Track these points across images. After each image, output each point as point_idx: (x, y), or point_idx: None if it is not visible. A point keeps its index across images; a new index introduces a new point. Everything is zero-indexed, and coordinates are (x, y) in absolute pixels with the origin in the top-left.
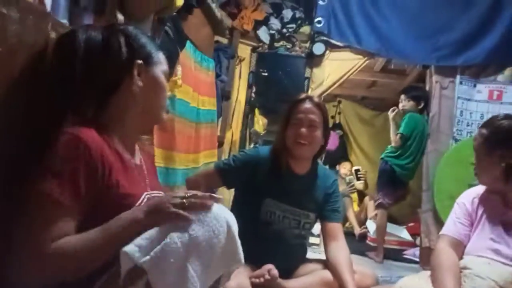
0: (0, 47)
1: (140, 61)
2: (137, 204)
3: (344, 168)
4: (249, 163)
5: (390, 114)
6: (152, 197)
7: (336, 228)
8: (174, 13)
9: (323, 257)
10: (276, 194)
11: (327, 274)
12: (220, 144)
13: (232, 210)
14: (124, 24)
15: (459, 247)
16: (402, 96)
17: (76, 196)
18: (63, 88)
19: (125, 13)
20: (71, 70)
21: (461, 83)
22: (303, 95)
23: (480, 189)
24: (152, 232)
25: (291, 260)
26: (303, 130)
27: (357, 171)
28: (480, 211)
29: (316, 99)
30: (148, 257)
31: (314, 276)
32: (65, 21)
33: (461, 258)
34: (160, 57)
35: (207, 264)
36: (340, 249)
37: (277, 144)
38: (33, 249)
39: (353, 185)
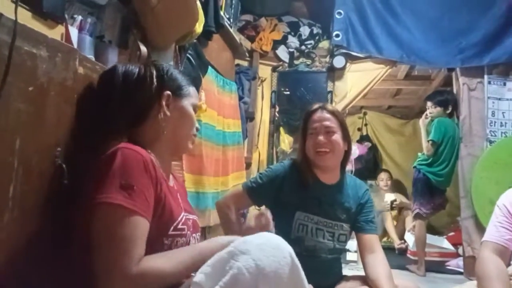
0: (32, 86)
1: (168, 92)
2: (178, 220)
3: (381, 181)
4: (276, 178)
5: (422, 121)
6: (188, 218)
7: (373, 239)
8: (195, 40)
9: (362, 273)
10: (306, 207)
11: None
12: (248, 165)
13: None
14: (160, 63)
15: (505, 253)
16: (428, 103)
17: (146, 206)
18: (104, 116)
19: (147, 45)
20: (110, 100)
21: (489, 82)
22: (315, 105)
23: None
24: (216, 258)
25: (327, 277)
26: (321, 138)
27: (392, 202)
28: None
29: (329, 107)
30: (217, 287)
31: None
32: (91, 56)
33: (508, 264)
34: (190, 90)
35: None
36: (379, 262)
37: (299, 157)
38: (118, 272)
39: (393, 203)
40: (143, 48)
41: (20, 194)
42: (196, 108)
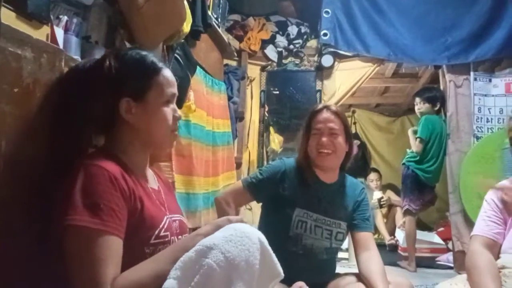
0: (17, 88)
1: (126, 99)
2: (160, 226)
3: (371, 181)
4: (276, 174)
5: (410, 131)
6: (173, 220)
7: (367, 237)
8: (182, 40)
9: (354, 270)
10: (306, 204)
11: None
12: (238, 165)
13: (259, 228)
14: (121, 50)
15: (494, 247)
16: (417, 99)
17: (117, 223)
18: (70, 122)
19: (134, 44)
20: (71, 105)
21: (475, 79)
22: (320, 105)
23: (509, 182)
24: (184, 259)
25: (321, 275)
26: (325, 139)
27: (380, 199)
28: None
29: (333, 108)
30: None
31: None
32: (77, 57)
33: (497, 257)
34: (155, 81)
35: (250, 283)
36: (373, 259)
37: (300, 156)
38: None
39: (383, 203)
40: (130, 47)
41: (6, 198)
42: (173, 96)
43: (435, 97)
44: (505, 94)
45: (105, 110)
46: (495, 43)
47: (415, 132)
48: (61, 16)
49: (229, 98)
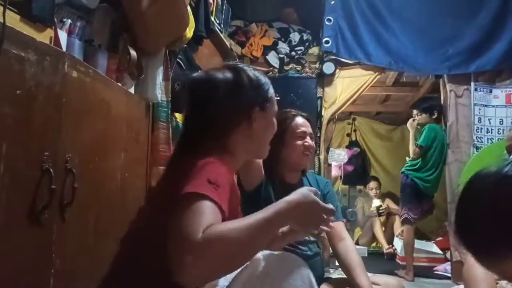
0: (19, 90)
1: (257, 108)
2: None
3: (371, 190)
4: None
5: (410, 124)
6: None
7: (340, 226)
8: (185, 45)
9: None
10: None
11: None
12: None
13: None
14: (245, 65)
15: None
16: (414, 111)
17: (225, 208)
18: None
19: (137, 49)
20: (199, 112)
21: (476, 89)
22: (291, 112)
23: None
24: (246, 279)
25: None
26: (311, 142)
27: (378, 208)
28: None
29: (302, 113)
30: None
31: None
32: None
33: None
34: (273, 95)
35: None
36: (349, 249)
37: (272, 158)
38: (184, 240)
39: (382, 211)
40: (133, 53)
41: (7, 199)
42: (275, 113)
43: (431, 106)
44: (506, 105)
45: (237, 116)
46: (495, 54)
47: (416, 139)
48: (64, 19)
49: None
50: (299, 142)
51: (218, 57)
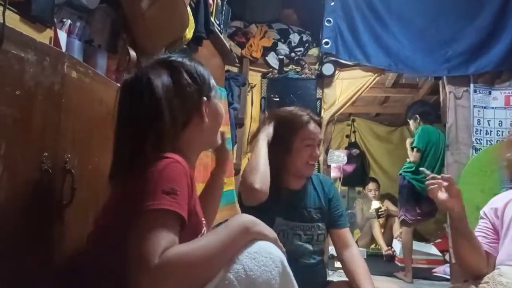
0: (19, 90)
1: (205, 98)
2: (202, 232)
3: (370, 191)
4: None
5: (408, 141)
6: (204, 224)
7: (346, 233)
8: (185, 46)
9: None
10: (284, 213)
11: None
12: (237, 171)
13: None
14: (180, 58)
15: (488, 258)
16: (409, 121)
17: (185, 212)
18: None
19: (137, 49)
20: (142, 112)
21: (475, 91)
22: (305, 116)
23: (506, 195)
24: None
25: (311, 283)
26: (318, 151)
27: (377, 209)
28: (509, 217)
29: (317, 118)
30: None
31: None
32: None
33: (493, 269)
34: (214, 85)
35: None
36: (355, 257)
37: (278, 164)
38: (141, 262)
39: (381, 213)
40: (133, 53)
41: (5, 200)
42: (218, 100)
43: (422, 111)
44: (505, 106)
45: (188, 111)
46: (495, 56)
47: (412, 143)
48: (64, 20)
49: (230, 104)
50: (306, 151)
51: (218, 58)
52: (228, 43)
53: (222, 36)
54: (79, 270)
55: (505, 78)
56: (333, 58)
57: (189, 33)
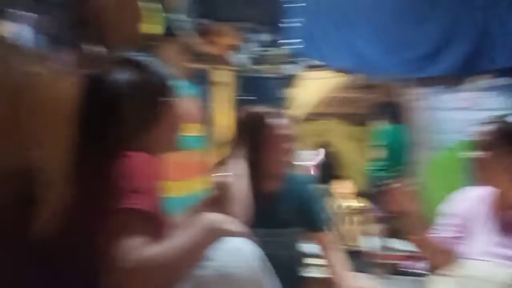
0: None
1: (164, 99)
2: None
3: (341, 189)
4: None
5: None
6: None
7: (325, 235)
8: (151, 43)
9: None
10: (258, 220)
11: None
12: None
13: None
14: (142, 56)
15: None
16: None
17: (154, 209)
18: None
19: (100, 44)
20: (100, 111)
21: (436, 93)
22: (272, 114)
23: (472, 191)
24: None
25: (292, 281)
26: (290, 146)
27: (350, 207)
28: (476, 213)
29: (284, 116)
30: None
31: None
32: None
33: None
34: (180, 84)
35: None
36: (339, 260)
37: (256, 165)
38: (109, 264)
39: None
40: (96, 48)
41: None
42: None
43: (390, 112)
44: (466, 108)
45: (150, 113)
46: (455, 59)
47: (376, 142)
48: (22, 13)
49: (198, 102)
50: (278, 146)
51: (185, 55)
52: (194, 41)
53: (188, 34)
54: (46, 274)
55: (466, 80)
56: (301, 58)
57: (156, 30)
